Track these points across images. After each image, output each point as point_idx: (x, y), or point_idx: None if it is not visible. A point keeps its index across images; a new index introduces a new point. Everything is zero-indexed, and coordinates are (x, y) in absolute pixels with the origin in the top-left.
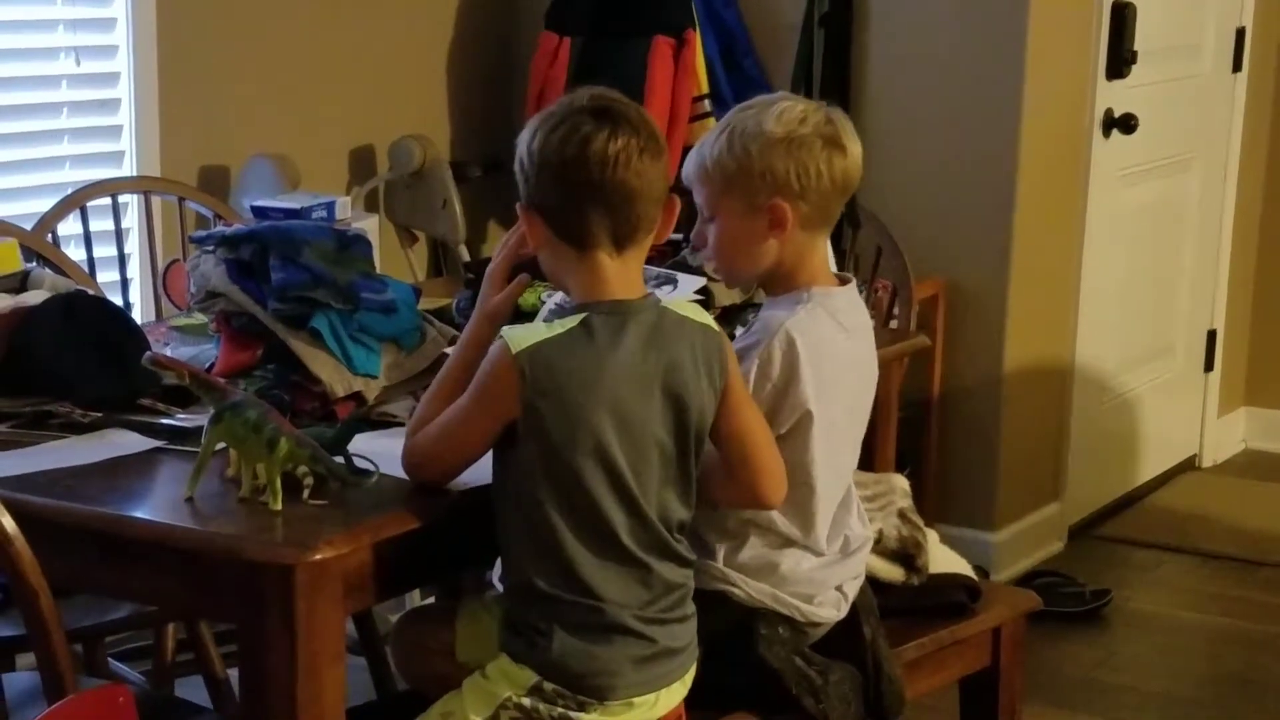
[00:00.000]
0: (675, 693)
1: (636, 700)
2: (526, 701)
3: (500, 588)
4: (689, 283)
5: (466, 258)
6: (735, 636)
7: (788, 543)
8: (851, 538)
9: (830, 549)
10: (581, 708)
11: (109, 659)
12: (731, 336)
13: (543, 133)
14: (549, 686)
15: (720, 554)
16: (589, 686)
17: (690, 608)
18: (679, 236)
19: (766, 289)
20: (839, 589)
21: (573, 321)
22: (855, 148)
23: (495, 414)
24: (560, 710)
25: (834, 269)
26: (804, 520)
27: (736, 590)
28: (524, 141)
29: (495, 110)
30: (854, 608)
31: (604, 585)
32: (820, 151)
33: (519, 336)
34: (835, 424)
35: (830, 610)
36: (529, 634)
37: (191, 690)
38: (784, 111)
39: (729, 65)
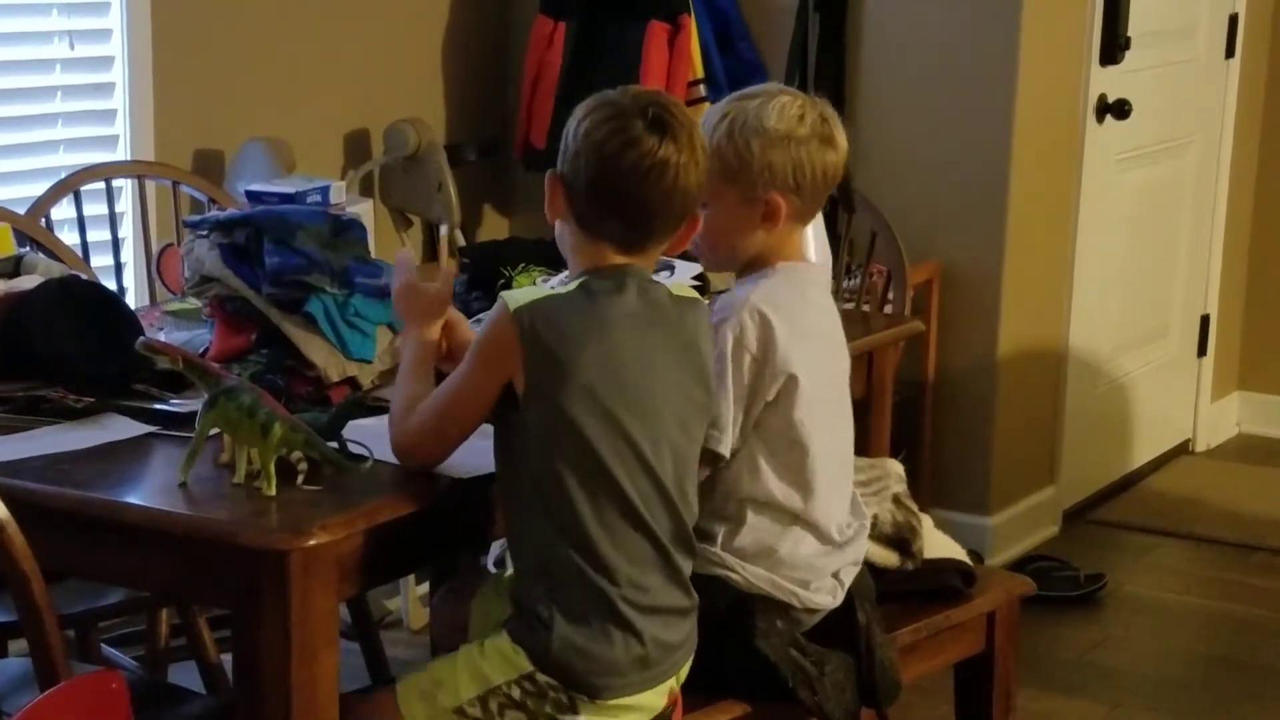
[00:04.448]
0: (669, 687)
1: (630, 700)
2: (517, 693)
3: (494, 571)
4: (686, 269)
5: (462, 242)
6: (732, 627)
7: (787, 520)
8: (849, 525)
9: (830, 525)
10: (573, 703)
11: (101, 644)
12: None
13: (594, 119)
14: (542, 679)
15: (719, 538)
16: (584, 684)
17: (692, 598)
18: None
19: (741, 273)
20: (836, 576)
21: (572, 286)
22: (844, 142)
23: (494, 374)
24: (550, 709)
25: (829, 255)
26: (803, 487)
27: (734, 575)
28: (576, 116)
29: (490, 94)
30: (850, 594)
31: (612, 548)
32: (816, 149)
33: (517, 295)
34: (818, 386)
35: (826, 597)
36: (531, 619)
37: (185, 676)
38: (784, 108)
39: (724, 50)
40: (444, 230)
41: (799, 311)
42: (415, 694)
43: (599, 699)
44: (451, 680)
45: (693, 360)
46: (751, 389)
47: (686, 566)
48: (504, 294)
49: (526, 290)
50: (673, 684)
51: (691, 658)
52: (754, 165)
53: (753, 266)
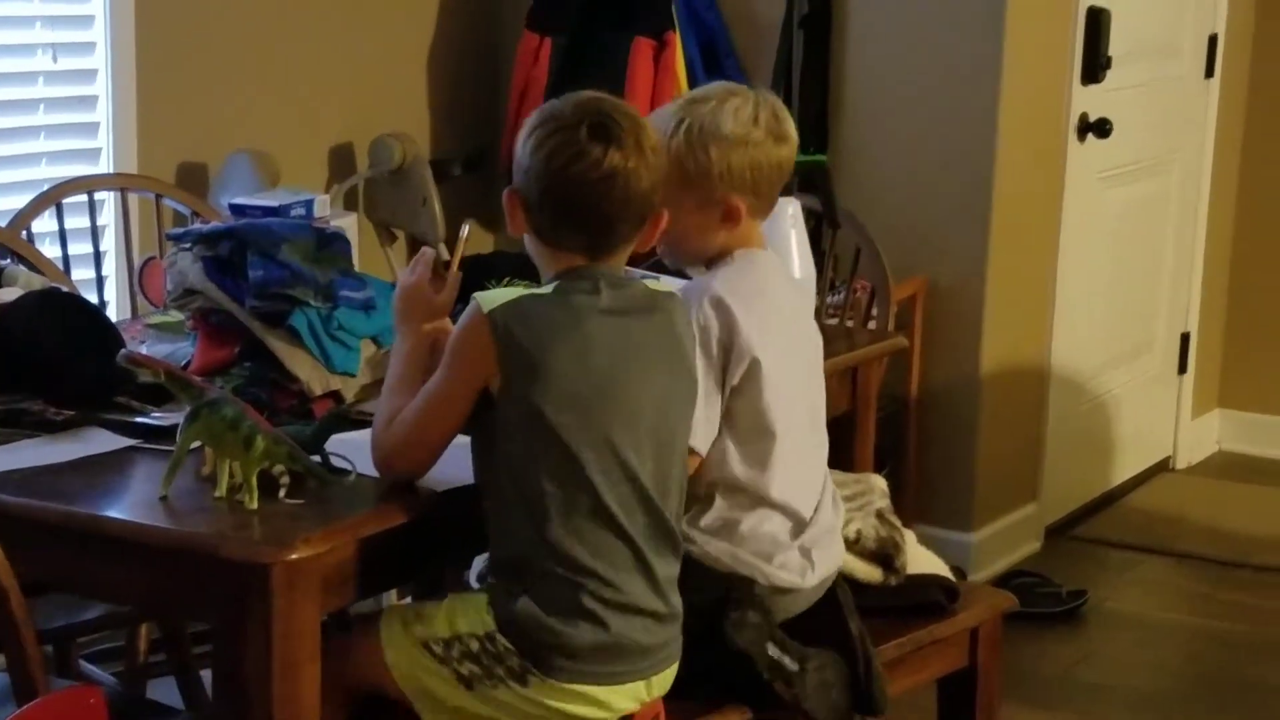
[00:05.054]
0: (635, 692)
1: (586, 690)
2: (475, 646)
3: (476, 586)
4: (670, 284)
5: (446, 256)
6: (707, 622)
7: (753, 502)
8: (820, 510)
9: (797, 504)
10: (523, 674)
11: (80, 660)
12: None
13: (539, 135)
14: (501, 642)
15: (685, 519)
16: (539, 659)
17: (669, 605)
18: None
19: (705, 265)
20: (805, 554)
21: (547, 289)
22: (795, 134)
23: (470, 377)
24: (502, 672)
25: (814, 270)
26: (768, 470)
27: (693, 548)
28: (522, 135)
29: (476, 108)
30: (836, 603)
31: (584, 548)
32: (770, 149)
33: (491, 297)
34: (783, 368)
35: (794, 575)
36: (504, 592)
37: (164, 692)
38: (737, 111)
39: (710, 66)
40: (464, 232)
41: (758, 295)
42: (397, 620)
43: (551, 678)
44: (431, 617)
45: (673, 352)
46: (720, 372)
47: (665, 568)
48: (477, 295)
49: (499, 291)
50: (642, 690)
51: (670, 669)
52: (713, 171)
53: (714, 261)
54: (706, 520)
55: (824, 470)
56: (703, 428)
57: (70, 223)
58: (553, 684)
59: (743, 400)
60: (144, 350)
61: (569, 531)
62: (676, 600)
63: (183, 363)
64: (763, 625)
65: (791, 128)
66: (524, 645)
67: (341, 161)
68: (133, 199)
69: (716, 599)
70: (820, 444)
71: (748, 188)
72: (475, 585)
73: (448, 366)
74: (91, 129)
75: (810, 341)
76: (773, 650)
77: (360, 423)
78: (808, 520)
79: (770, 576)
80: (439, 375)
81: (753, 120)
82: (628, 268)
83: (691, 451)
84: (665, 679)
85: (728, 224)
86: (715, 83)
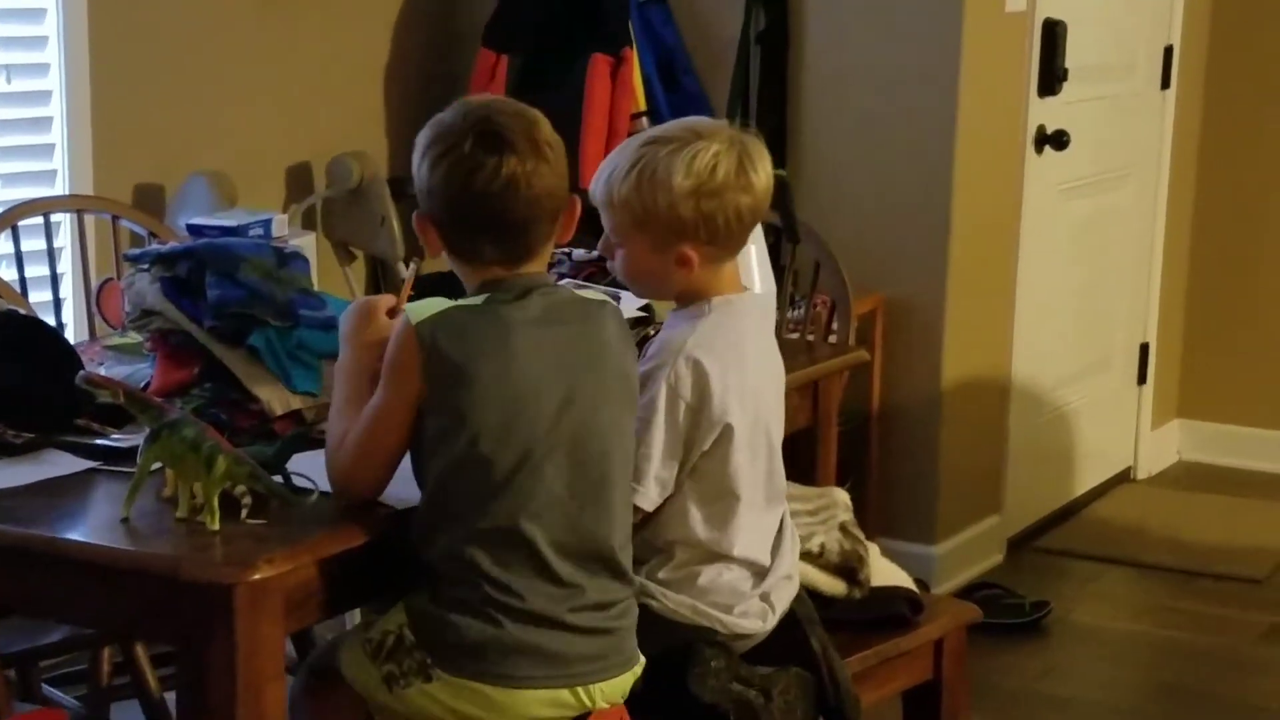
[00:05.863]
0: (555, 699)
1: (479, 687)
2: (391, 641)
3: None
4: (632, 301)
5: (405, 275)
6: (667, 671)
7: (713, 557)
8: (779, 555)
9: (756, 555)
10: (426, 669)
11: (43, 683)
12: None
13: (431, 156)
14: (408, 637)
15: (644, 570)
16: (439, 653)
17: (597, 620)
18: None
19: (677, 301)
20: (764, 599)
21: (477, 299)
22: (762, 179)
23: (403, 392)
24: (410, 668)
25: (774, 285)
26: (731, 531)
27: (654, 603)
28: (415, 157)
29: None
30: (798, 620)
31: (490, 559)
32: (729, 198)
33: (420, 309)
34: (753, 427)
35: (755, 621)
36: (415, 592)
37: (127, 715)
38: (695, 158)
39: (667, 82)
40: (412, 268)
41: (735, 349)
42: (360, 619)
43: (448, 672)
44: (376, 619)
45: (607, 360)
46: (688, 438)
47: (591, 582)
48: (407, 307)
49: (430, 302)
50: (569, 698)
51: (617, 678)
52: (661, 219)
53: (688, 297)
54: (665, 573)
55: (783, 507)
56: (652, 488)
57: (26, 245)
58: (450, 680)
59: (711, 463)
60: (103, 372)
61: (479, 545)
62: (607, 616)
63: (142, 384)
64: (725, 668)
65: (760, 174)
66: (425, 639)
67: (299, 181)
68: (89, 220)
69: (678, 648)
70: (778, 487)
71: (701, 238)
72: None
73: (384, 383)
74: (47, 151)
75: (775, 374)
76: (736, 688)
77: (321, 442)
78: (769, 567)
79: (731, 626)
80: (378, 393)
81: (710, 170)
82: (586, 285)
83: (636, 509)
84: (610, 688)
85: (682, 269)
86: (685, 120)
